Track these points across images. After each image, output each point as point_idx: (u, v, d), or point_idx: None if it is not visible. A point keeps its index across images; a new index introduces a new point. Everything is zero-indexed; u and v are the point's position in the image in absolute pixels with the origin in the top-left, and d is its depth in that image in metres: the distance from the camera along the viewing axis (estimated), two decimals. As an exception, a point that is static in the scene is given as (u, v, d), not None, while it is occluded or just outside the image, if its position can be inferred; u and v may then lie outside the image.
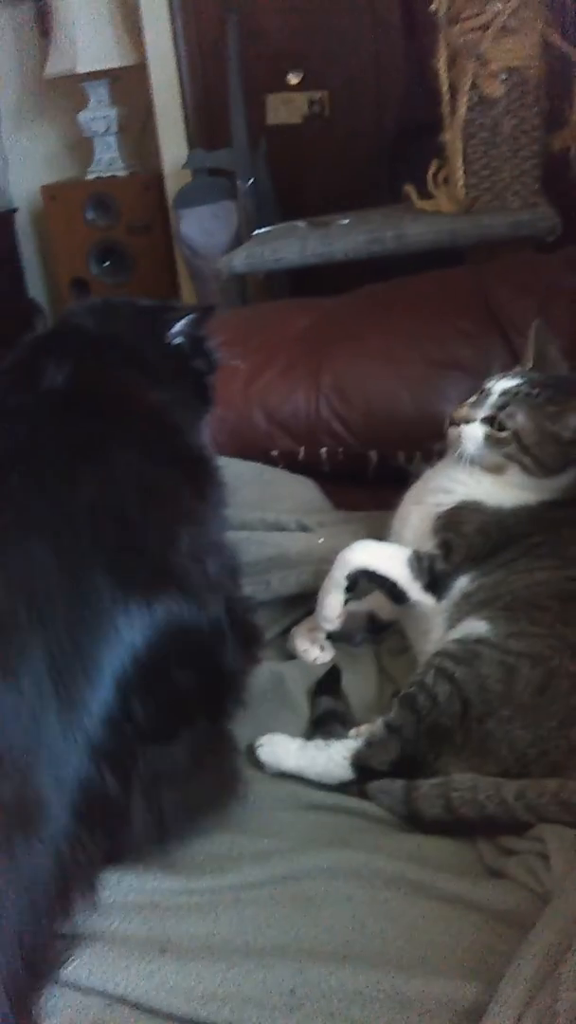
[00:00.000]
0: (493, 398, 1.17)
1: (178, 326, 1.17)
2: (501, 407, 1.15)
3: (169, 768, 0.87)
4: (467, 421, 1.16)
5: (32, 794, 0.77)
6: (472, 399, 1.20)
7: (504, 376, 1.20)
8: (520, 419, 1.14)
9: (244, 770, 0.97)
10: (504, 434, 1.14)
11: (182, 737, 0.88)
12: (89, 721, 0.80)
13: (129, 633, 0.83)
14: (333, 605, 1.15)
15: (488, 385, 1.19)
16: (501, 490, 1.16)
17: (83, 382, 1.01)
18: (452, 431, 1.18)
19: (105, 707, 0.81)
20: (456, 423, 1.18)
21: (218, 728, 0.96)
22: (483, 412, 1.16)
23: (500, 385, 1.18)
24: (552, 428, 1.13)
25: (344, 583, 1.14)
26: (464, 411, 1.18)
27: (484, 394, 1.18)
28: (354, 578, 1.14)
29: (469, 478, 1.18)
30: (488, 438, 1.15)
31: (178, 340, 1.18)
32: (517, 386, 1.17)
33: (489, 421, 1.15)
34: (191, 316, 1.18)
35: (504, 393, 1.16)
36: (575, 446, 1.14)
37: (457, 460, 1.17)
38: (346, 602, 1.16)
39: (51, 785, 0.78)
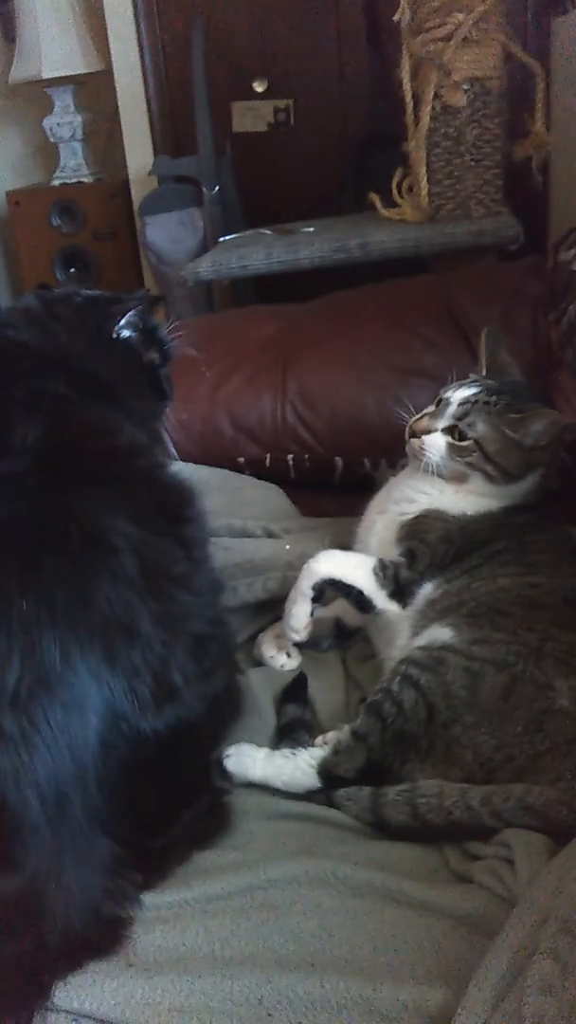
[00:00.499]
0: (452, 408, 1.17)
1: (125, 319, 1.16)
2: (461, 417, 1.16)
3: (175, 842, 0.90)
4: (427, 432, 1.17)
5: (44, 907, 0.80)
6: (430, 409, 1.21)
7: (461, 385, 1.21)
8: (481, 428, 1.15)
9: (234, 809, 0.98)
10: (466, 443, 1.15)
11: (185, 817, 0.92)
12: (109, 845, 0.82)
13: (140, 751, 0.85)
14: (300, 615, 1.15)
15: (446, 395, 1.20)
16: (463, 498, 1.17)
17: (59, 439, 0.97)
18: (413, 442, 1.18)
19: (123, 824, 0.83)
20: (417, 435, 1.18)
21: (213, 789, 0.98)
22: (443, 422, 1.17)
23: (458, 394, 1.19)
24: (513, 435, 1.14)
25: (310, 593, 1.14)
26: (424, 422, 1.18)
27: (443, 404, 1.19)
28: (320, 588, 1.15)
29: (432, 487, 1.18)
30: (450, 447, 1.16)
31: (127, 333, 1.17)
32: (475, 394, 1.18)
33: (450, 431, 1.16)
34: (137, 308, 1.16)
35: (463, 402, 1.17)
36: (537, 452, 1.15)
37: (420, 470, 1.18)
38: (312, 612, 1.16)
39: (61, 903, 0.80)
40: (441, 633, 1.02)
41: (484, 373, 1.26)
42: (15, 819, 0.78)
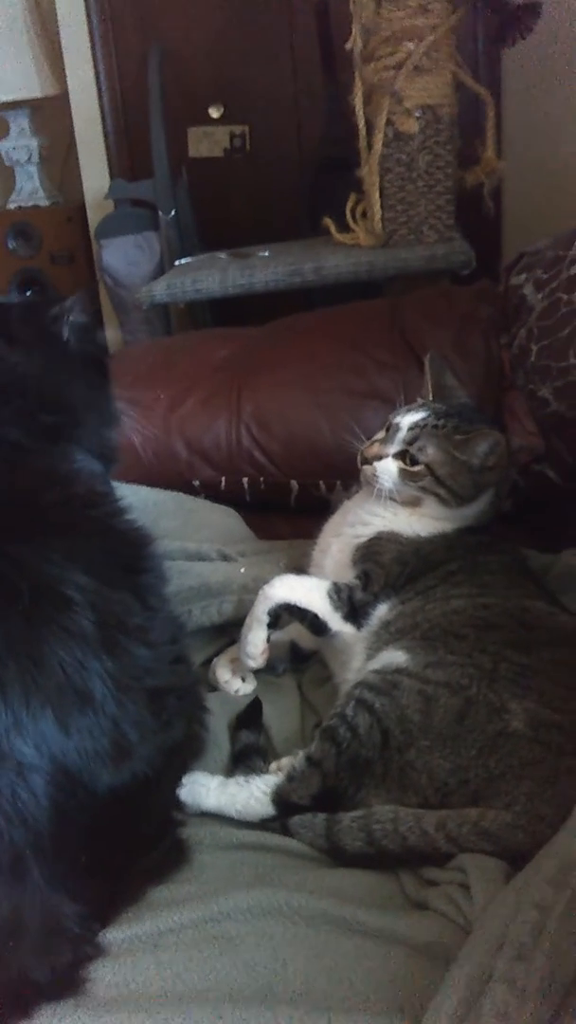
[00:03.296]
0: (402, 433, 1.18)
1: (69, 319, 1.14)
2: (411, 441, 1.17)
3: (130, 881, 0.89)
4: (379, 458, 1.18)
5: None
6: (380, 435, 1.22)
7: (409, 410, 1.22)
8: (431, 452, 1.16)
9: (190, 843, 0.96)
10: (417, 468, 1.16)
11: (145, 861, 0.90)
12: (69, 903, 0.81)
13: (97, 809, 0.84)
14: (256, 642, 1.14)
15: (395, 420, 1.21)
16: (417, 521, 1.17)
17: (10, 490, 0.95)
18: (366, 469, 1.19)
19: (83, 880, 0.82)
20: (368, 461, 1.19)
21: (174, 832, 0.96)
22: (394, 448, 1.18)
23: (407, 419, 1.20)
24: (461, 457, 1.15)
25: (266, 619, 1.14)
26: (375, 448, 1.20)
27: (392, 429, 1.20)
28: (276, 613, 1.14)
29: (385, 511, 1.19)
30: (402, 473, 1.16)
31: (69, 334, 1.15)
32: (424, 419, 1.19)
33: (401, 456, 1.17)
34: (77, 303, 1.14)
35: (412, 427, 1.18)
36: (484, 473, 1.16)
37: (374, 496, 1.18)
38: (269, 638, 1.15)
39: (18, 958, 0.79)
40: (395, 656, 1.02)
41: (431, 397, 1.28)
42: None
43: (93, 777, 0.83)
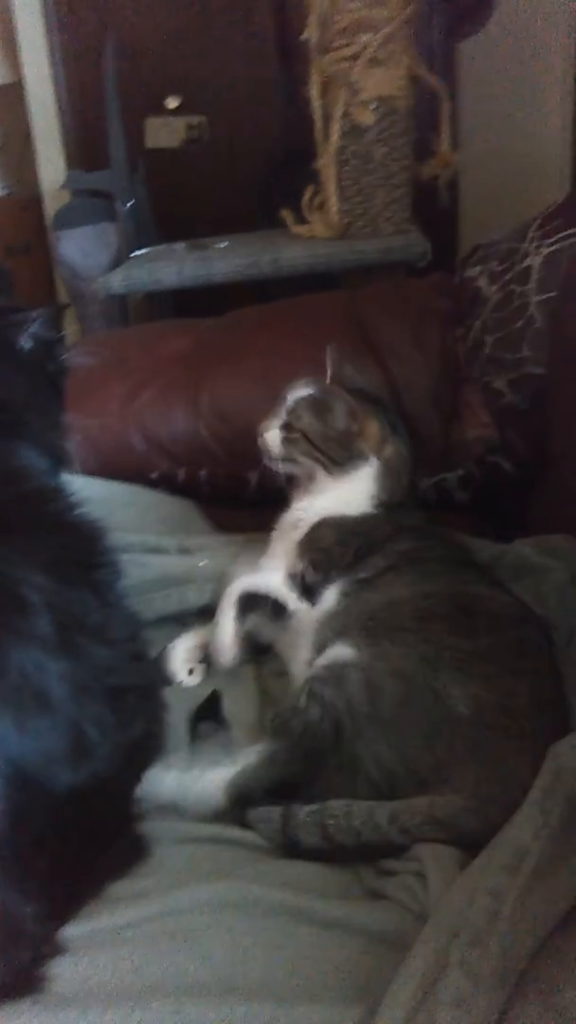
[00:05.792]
0: (288, 405, 1.28)
1: (31, 330, 1.13)
2: (291, 411, 1.27)
3: (90, 879, 0.88)
4: (268, 430, 1.27)
5: None
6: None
7: (297, 387, 1.30)
8: (305, 419, 1.25)
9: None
10: (295, 435, 1.25)
11: (104, 859, 0.90)
12: (28, 904, 0.80)
13: (54, 809, 0.83)
14: (225, 632, 1.18)
15: (286, 397, 1.30)
16: (341, 497, 1.24)
17: None
18: (259, 441, 1.28)
19: (41, 881, 0.82)
20: (260, 434, 1.28)
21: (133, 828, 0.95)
22: (279, 419, 1.28)
23: (294, 395, 1.29)
24: (327, 422, 1.24)
25: (232, 610, 1.18)
26: (266, 422, 1.29)
27: (279, 405, 1.29)
28: (243, 602, 1.19)
29: (310, 499, 1.26)
30: (285, 441, 1.26)
31: (29, 345, 1.14)
32: (306, 392, 1.28)
33: (285, 427, 1.27)
34: (41, 318, 1.14)
35: (296, 400, 1.27)
36: (349, 438, 1.23)
37: (278, 469, 1.29)
38: (236, 632, 1.19)
39: None
40: (342, 651, 1.03)
41: None
42: None
43: (52, 777, 0.83)
